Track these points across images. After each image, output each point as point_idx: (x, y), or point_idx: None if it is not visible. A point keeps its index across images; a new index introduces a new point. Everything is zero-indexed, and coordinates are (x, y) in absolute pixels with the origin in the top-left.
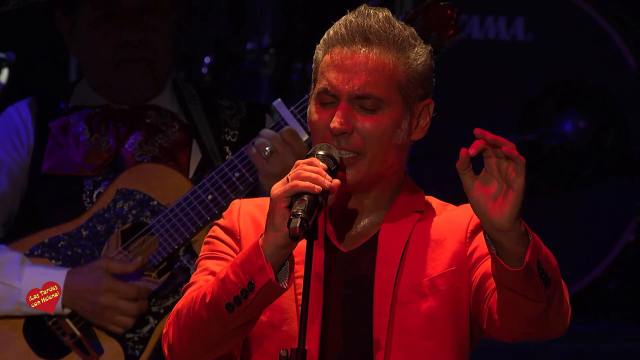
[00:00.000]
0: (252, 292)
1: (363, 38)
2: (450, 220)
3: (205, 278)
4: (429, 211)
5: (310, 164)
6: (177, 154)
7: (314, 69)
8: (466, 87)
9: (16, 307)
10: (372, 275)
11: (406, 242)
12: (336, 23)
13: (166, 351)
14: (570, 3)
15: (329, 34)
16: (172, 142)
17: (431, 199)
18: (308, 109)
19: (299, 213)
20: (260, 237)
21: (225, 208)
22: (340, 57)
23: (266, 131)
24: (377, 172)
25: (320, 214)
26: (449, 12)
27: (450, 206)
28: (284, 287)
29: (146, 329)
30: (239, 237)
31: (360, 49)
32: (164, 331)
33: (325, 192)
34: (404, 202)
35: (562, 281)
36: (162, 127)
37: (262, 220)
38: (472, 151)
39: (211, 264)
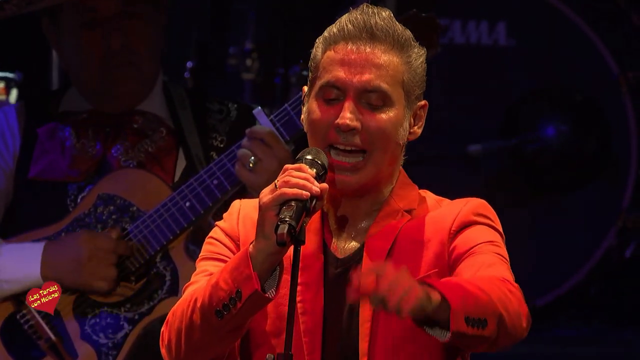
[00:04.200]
0: (240, 301)
1: (369, 34)
2: (436, 220)
3: (205, 279)
4: (421, 209)
5: (299, 169)
6: (162, 159)
7: (312, 68)
8: (448, 92)
9: None
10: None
11: (391, 246)
12: (339, 20)
13: (163, 350)
14: (552, 8)
15: (331, 31)
16: (159, 148)
17: (426, 194)
18: (306, 108)
19: (287, 219)
20: (251, 244)
21: (202, 216)
22: (346, 51)
23: (245, 141)
24: (381, 174)
25: (309, 220)
26: (431, 24)
27: (446, 201)
28: (270, 296)
29: (120, 334)
30: (238, 242)
31: (366, 44)
32: (162, 329)
33: (314, 197)
34: (395, 202)
35: (507, 298)
36: (149, 132)
37: None
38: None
39: (210, 265)
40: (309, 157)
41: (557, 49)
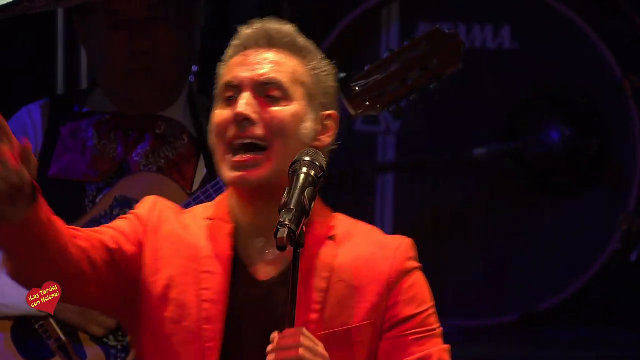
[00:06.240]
0: None
1: (267, 39)
2: (370, 265)
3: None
4: (343, 236)
5: None
6: (182, 167)
7: (216, 87)
8: (452, 96)
9: None
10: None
11: (327, 286)
12: (239, 33)
13: None
14: (556, 11)
15: (230, 45)
16: (179, 155)
17: (344, 218)
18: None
19: (286, 222)
20: None
21: None
22: (242, 56)
23: None
24: (283, 172)
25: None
26: (454, 41)
27: (360, 224)
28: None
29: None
30: (152, 233)
31: (264, 48)
32: None
33: (311, 200)
34: (318, 226)
35: None
36: (171, 138)
37: (183, 234)
38: None
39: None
40: (307, 158)
41: (561, 52)
